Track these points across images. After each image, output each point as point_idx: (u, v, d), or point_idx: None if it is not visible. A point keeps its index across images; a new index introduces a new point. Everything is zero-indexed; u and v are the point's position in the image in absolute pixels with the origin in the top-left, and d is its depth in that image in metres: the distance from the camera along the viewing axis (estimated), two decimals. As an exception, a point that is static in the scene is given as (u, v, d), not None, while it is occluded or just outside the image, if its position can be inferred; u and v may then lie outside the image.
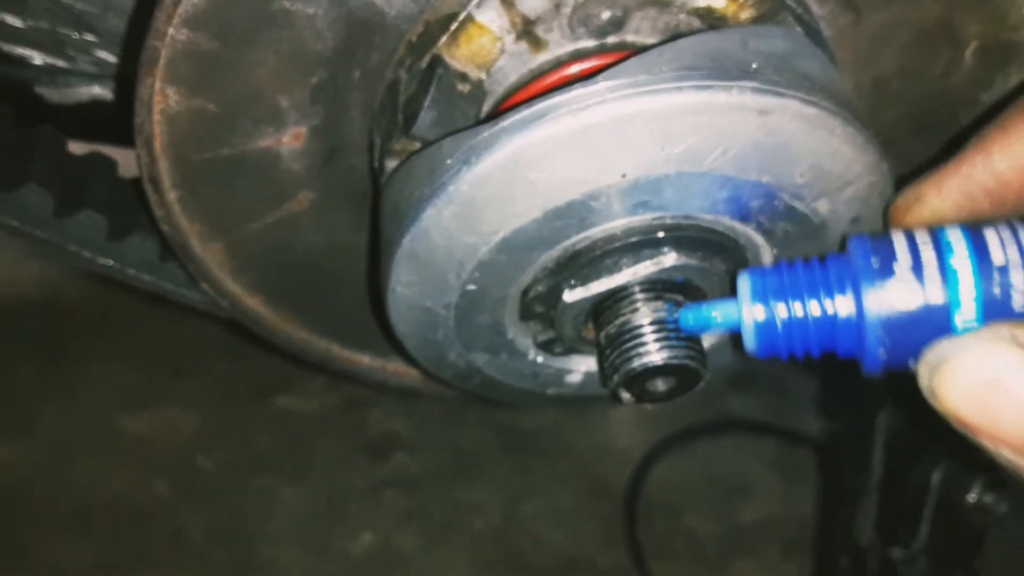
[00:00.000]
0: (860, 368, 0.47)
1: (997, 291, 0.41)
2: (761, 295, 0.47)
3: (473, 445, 1.67)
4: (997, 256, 0.42)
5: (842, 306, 0.45)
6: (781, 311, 0.46)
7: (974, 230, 0.44)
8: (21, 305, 1.87)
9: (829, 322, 0.45)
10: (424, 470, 1.62)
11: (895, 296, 0.43)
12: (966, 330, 0.42)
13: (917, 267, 0.43)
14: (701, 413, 1.73)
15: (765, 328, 0.46)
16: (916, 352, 0.42)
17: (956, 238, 0.43)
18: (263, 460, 1.61)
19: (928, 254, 0.43)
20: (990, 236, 0.43)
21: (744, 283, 0.47)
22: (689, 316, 0.50)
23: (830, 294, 0.45)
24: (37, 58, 0.77)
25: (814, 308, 0.45)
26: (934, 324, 0.42)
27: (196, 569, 1.43)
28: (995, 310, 0.42)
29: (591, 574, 1.49)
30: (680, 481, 1.64)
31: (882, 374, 0.46)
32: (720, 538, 1.55)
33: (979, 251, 0.42)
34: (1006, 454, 0.40)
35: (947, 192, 0.49)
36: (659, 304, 0.53)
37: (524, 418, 1.72)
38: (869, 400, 0.99)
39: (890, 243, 0.44)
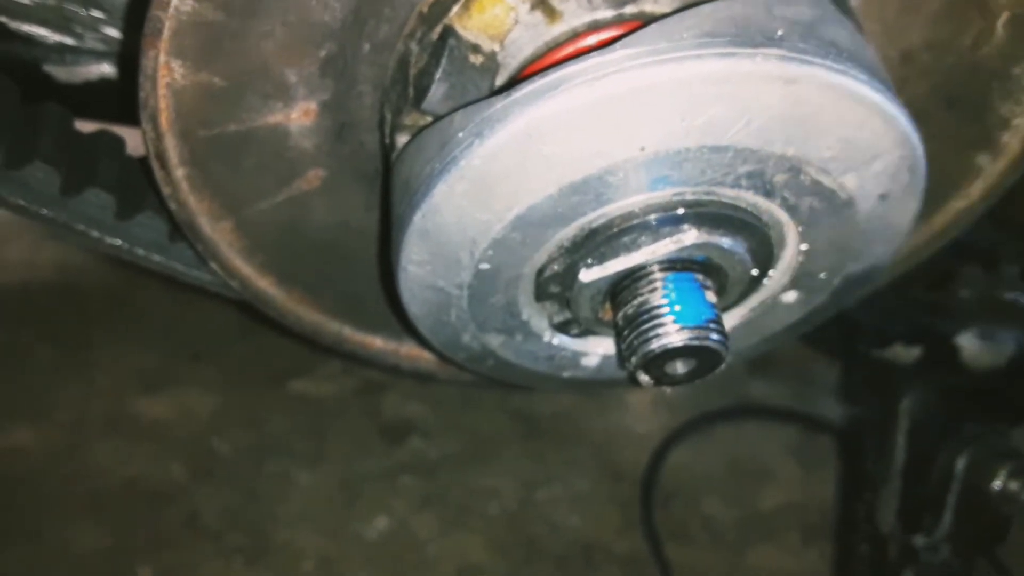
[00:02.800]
0: None
1: None
2: None
3: (489, 430, 1.66)
4: None
5: None
6: None
7: None
8: (39, 289, 1.88)
9: None
10: (440, 455, 1.61)
11: None
12: None
13: None
14: (720, 399, 1.71)
15: None
16: None
17: None
18: (279, 444, 1.60)
19: None
20: None
21: None
22: None
23: None
24: (44, 35, 0.76)
25: None
26: None
27: (212, 552, 1.43)
28: None
29: (607, 559, 1.47)
30: (698, 467, 1.62)
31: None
32: (739, 524, 1.53)
33: None
34: None
35: None
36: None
37: (541, 403, 1.71)
38: (892, 386, 0.97)
39: None
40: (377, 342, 0.78)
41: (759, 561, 1.48)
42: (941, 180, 0.69)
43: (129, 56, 0.73)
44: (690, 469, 1.61)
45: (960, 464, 0.91)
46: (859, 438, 1.20)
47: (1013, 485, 0.90)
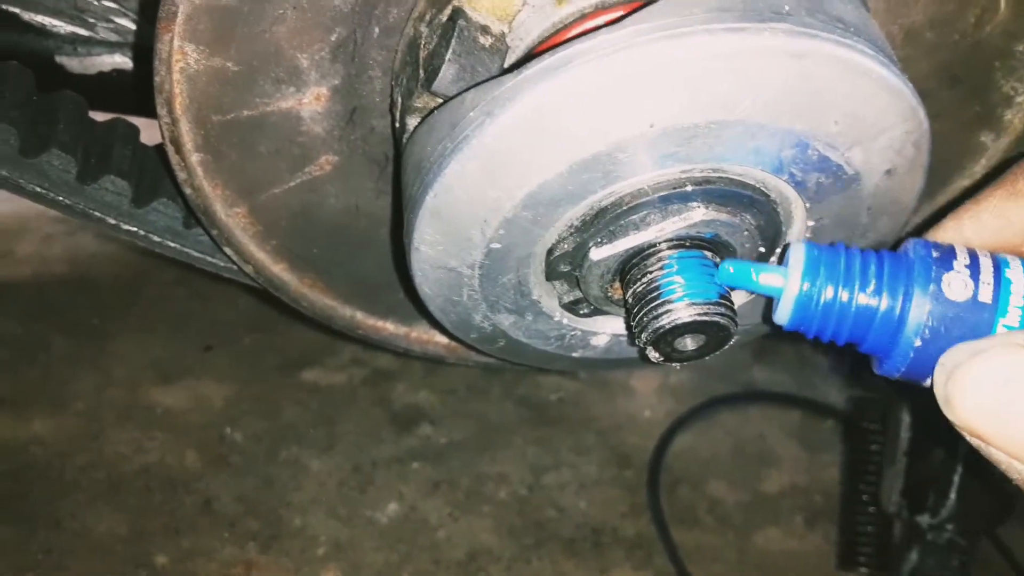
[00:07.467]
0: (873, 367, 0.47)
1: None
2: (813, 271, 0.46)
3: (498, 417, 1.67)
4: None
5: (888, 298, 0.45)
6: (827, 292, 0.46)
7: None
8: (54, 282, 1.90)
9: (871, 312, 0.45)
10: (449, 441, 1.63)
11: (948, 287, 0.43)
12: None
13: (974, 267, 0.44)
14: (724, 385, 1.72)
15: (804, 303, 0.46)
16: None
17: (1012, 257, 0.45)
18: (291, 432, 1.62)
19: (986, 261, 0.44)
20: None
21: (798, 253, 0.47)
22: (729, 268, 0.50)
23: (881, 283, 0.45)
24: (57, 25, 0.77)
25: (862, 297, 0.45)
26: (976, 324, 0.42)
27: (227, 537, 1.45)
28: None
29: (615, 542, 1.49)
30: (704, 451, 1.63)
31: (897, 378, 0.46)
32: (744, 507, 1.54)
33: None
34: (1020, 468, 0.39)
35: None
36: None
37: (547, 390, 1.72)
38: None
39: (951, 247, 0.45)
40: (388, 327, 0.79)
41: (765, 543, 1.50)
42: (945, 159, 0.69)
43: (142, 46, 0.74)
44: (696, 454, 1.63)
45: (964, 445, 0.92)
46: (863, 421, 1.21)
47: (1020, 464, 0.90)
